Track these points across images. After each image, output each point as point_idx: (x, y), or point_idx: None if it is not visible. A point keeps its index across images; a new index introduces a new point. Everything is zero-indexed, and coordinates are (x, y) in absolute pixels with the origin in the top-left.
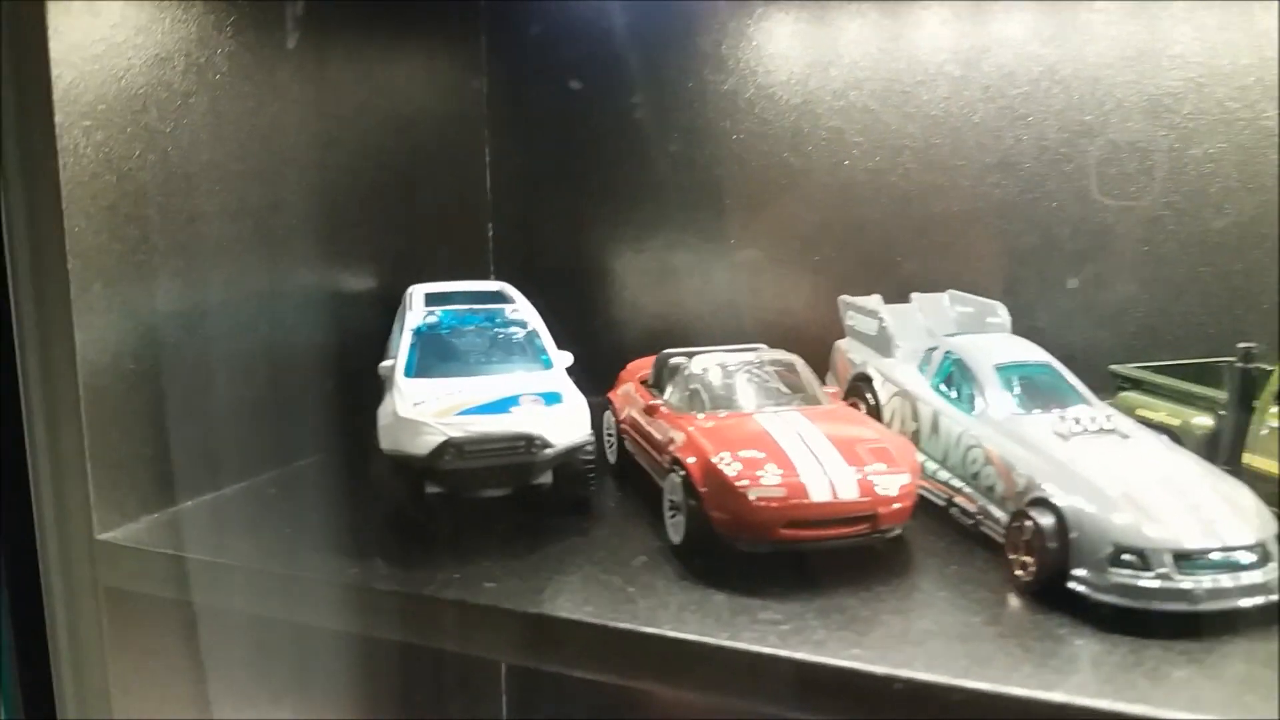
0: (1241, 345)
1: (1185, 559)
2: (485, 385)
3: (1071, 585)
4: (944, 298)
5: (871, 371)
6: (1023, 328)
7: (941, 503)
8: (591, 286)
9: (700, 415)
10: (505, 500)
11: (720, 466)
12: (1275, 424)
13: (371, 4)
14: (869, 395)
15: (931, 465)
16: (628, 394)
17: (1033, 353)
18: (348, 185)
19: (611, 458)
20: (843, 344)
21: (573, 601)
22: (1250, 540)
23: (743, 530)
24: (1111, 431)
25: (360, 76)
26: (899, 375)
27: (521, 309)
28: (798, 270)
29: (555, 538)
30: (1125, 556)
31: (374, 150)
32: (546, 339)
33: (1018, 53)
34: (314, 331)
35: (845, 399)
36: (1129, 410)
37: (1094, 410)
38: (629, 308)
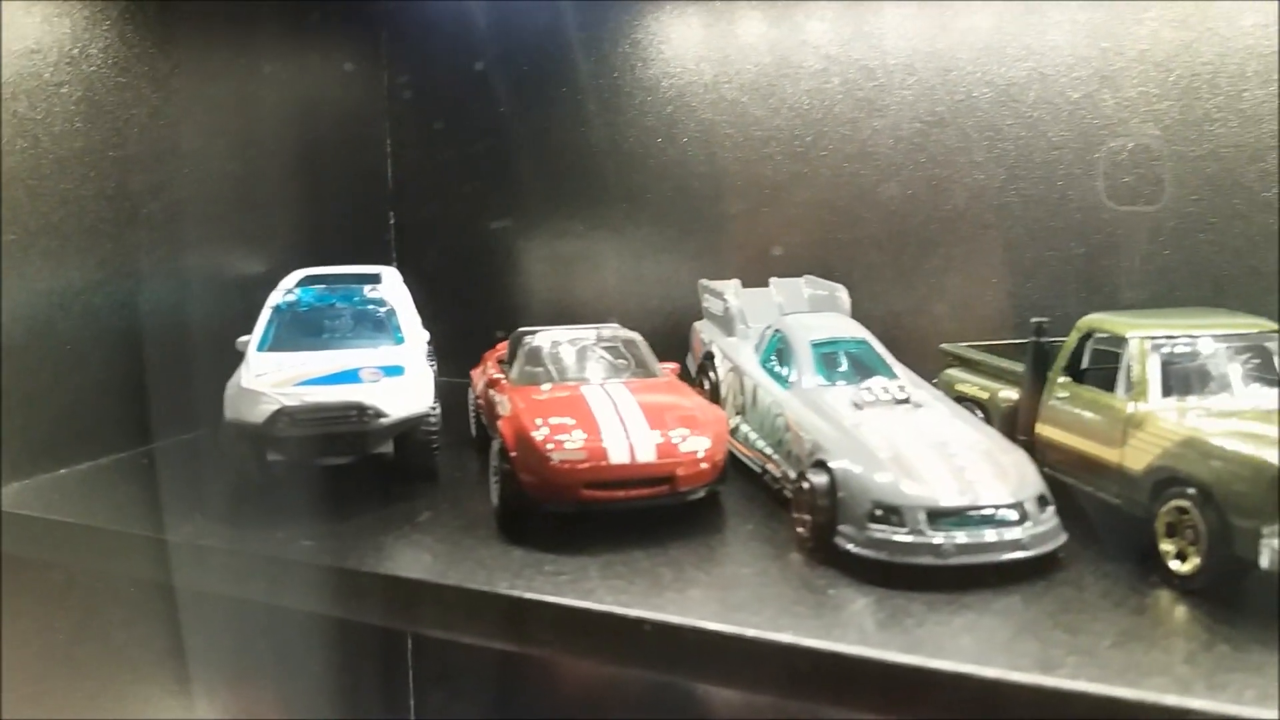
0: (1034, 320)
1: (939, 516)
2: (330, 359)
3: (837, 540)
4: (800, 282)
5: (715, 350)
6: (881, 310)
7: (758, 469)
8: (488, 271)
9: (531, 387)
10: (354, 469)
11: (527, 432)
12: (1064, 395)
13: (260, 8)
14: (711, 372)
15: (752, 435)
16: (484, 370)
17: (851, 330)
18: (237, 172)
19: (473, 431)
20: (698, 325)
21: (378, 558)
22: (1007, 500)
23: (549, 491)
24: (905, 401)
25: (250, 69)
26: (736, 353)
27: (384, 290)
28: (676, 256)
29: (389, 503)
30: (883, 513)
31: (267, 139)
32: (404, 317)
33: (873, 47)
34: (200, 311)
35: (698, 375)
36: (949, 386)
37: (894, 382)
38: (523, 291)
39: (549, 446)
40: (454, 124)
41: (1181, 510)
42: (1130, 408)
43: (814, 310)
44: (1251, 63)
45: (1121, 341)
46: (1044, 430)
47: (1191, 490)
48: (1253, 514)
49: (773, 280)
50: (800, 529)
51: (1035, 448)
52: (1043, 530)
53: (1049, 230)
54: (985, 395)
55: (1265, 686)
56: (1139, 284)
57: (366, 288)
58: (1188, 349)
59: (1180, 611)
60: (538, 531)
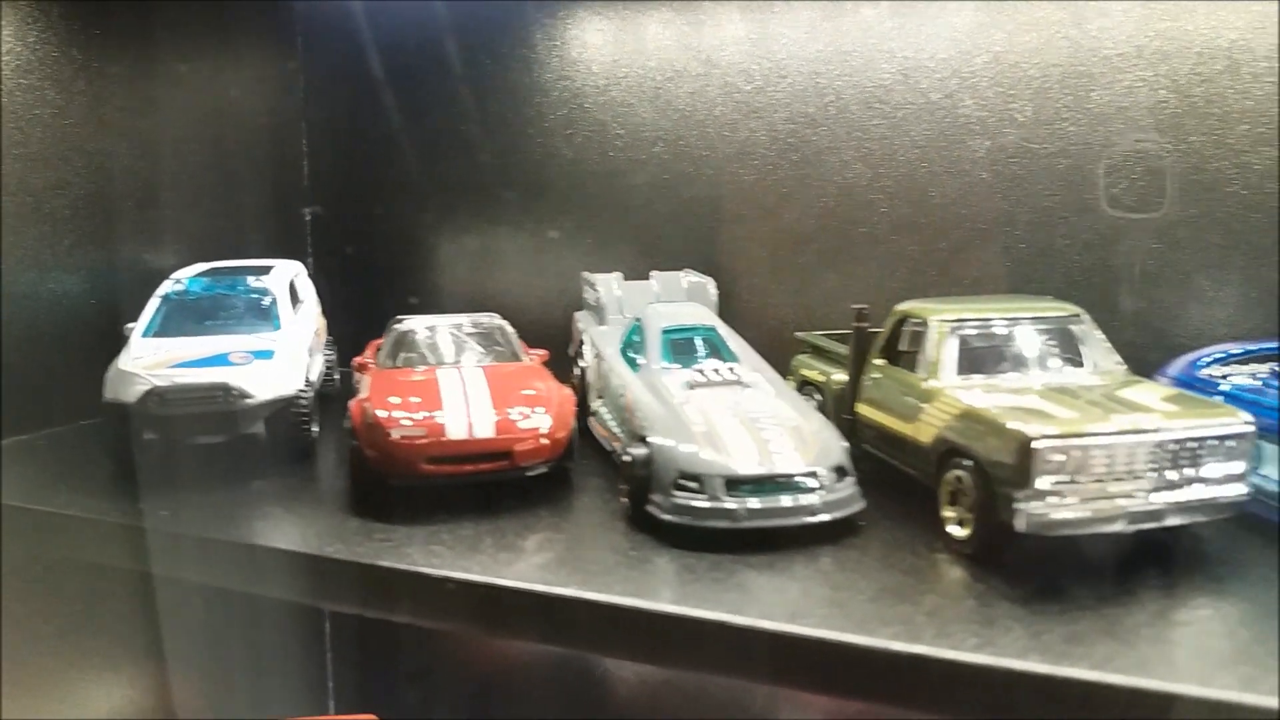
0: (854, 307)
1: (737, 484)
2: (205, 343)
3: (649, 508)
4: (679, 275)
5: (586, 338)
6: (760, 300)
7: (608, 448)
8: (399, 263)
9: (393, 370)
10: (229, 447)
11: (371, 410)
12: (877, 376)
13: (171, 10)
14: (581, 359)
15: (606, 416)
16: (363, 357)
17: (702, 318)
18: (145, 170)
19: None
20: (578, 315)
21: (224, 526)
22: (801, 469)
23: (391, 466)
24: (735, 382)
25: (162, 71)
26: (602, 341)
27: (269, 280)
28: (572, 249)
29: (255, 478)
30: (686, 481)
31: (179, 138)
32: (285, 306)
33: (749, 51)
34: (104, 302)
35: (573, 361)
36: (797, 370)
37: (726, 365)
38: (431, 283)
39: (389, 424)
40: (367, 123)
41: (959, 479)
42: (924, 385)
43: (690, 300)
44: (1096, 64)
45: (925, 325)
46: (861, 409)
47: (966, 461)
48: (1009, 481)
49: (653, 273)
50: (624, 499)
51: (856, 425)
52: (836, 498)
53: (913, 225)
54: (823, 379)
55: (991, 636)
56: (997, 275)
57: (251, 278)
58: (985, 331)
59: (946, 572)
60: (386, 504)
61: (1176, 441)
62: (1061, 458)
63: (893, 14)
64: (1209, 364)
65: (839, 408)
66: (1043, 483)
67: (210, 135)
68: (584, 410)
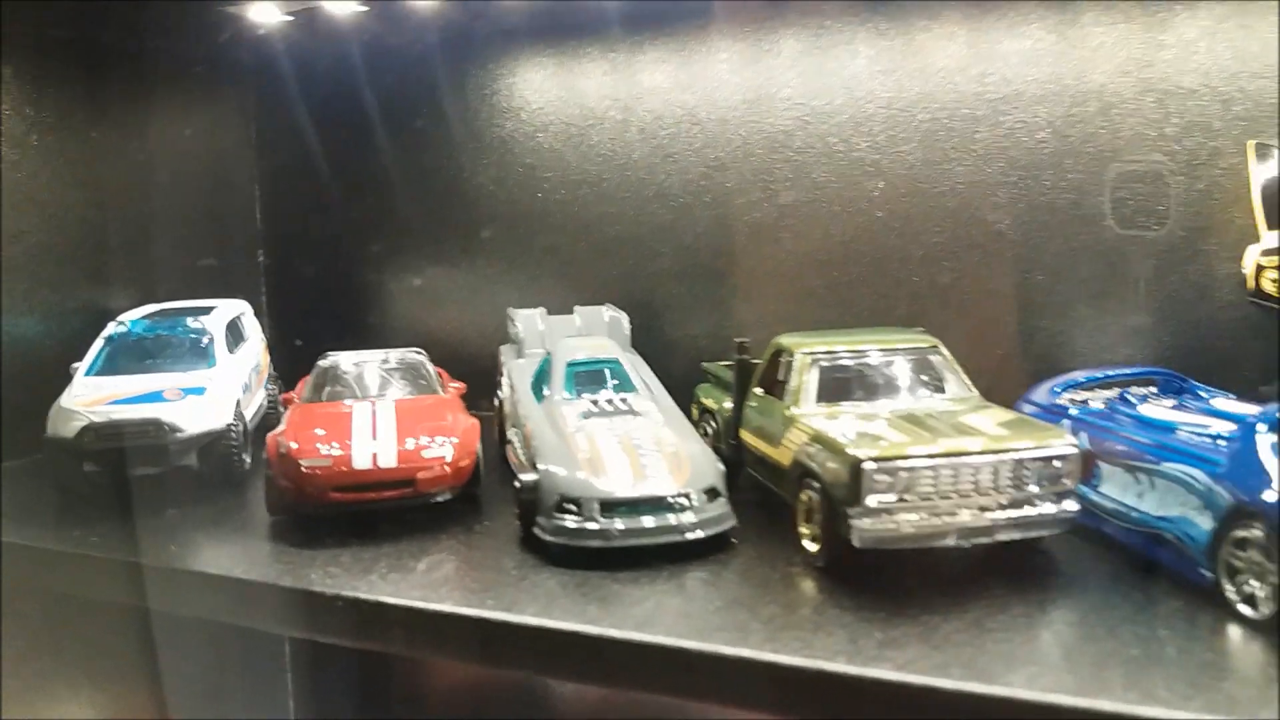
0: (737, 340)
1: (612, 506)
2: (143, 381)
3: (535, 530)
4: (602, 310)
5: (505, 370)
6: (679, 334)
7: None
8: (347, 302)
9: (313, 404)
10: (165, 479)
11: (284, 441)
12: (755, 404)
13: (122, 66)
14: (500, 390)
15: (516, 444)
16: (290, 393)
17: (609, 352)
18: (97, 219)
19: None
20: (502, 348)
21: (139, 549)
22: (672, 491)
23: (302, 494)
24: (627, 412)
25: (110, 126)
26: (517, 373)
27: (208, 320)
28: (505, 286)
29: (192, 506)
30: (566, 505)
31: (132, 188)
32: (220, 345)
33: (664, 99)
34: (58, 344)
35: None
36: (699, 398)
37: (620, 395)
38: (376, 320)
39: (299, 455)
40: (315, 170)
41: (810, 498)
42: (788, 412)
43: (610, 334)
44: (980, 107)
45: (792, 356)
46: (744, 435)
47: (815, 482)
48: (845, 500)
49: (576, 308)
50: (519, 522)
51: (740, 450)
52: (706, 518)
53: (816, 262)
54: (717, 406)
55: (814, 640)
56: (891, 307)
57: (190, 319)
58: (845, 363)
59: (796, 584)
60: (298, 530)
61: (1003, 462)
62: (889, 478)
63: (792, 65)
64: (1064, 390)
65: (728, 434)
66: (872, 501)
67: (163, 183)
68: (503, 439)
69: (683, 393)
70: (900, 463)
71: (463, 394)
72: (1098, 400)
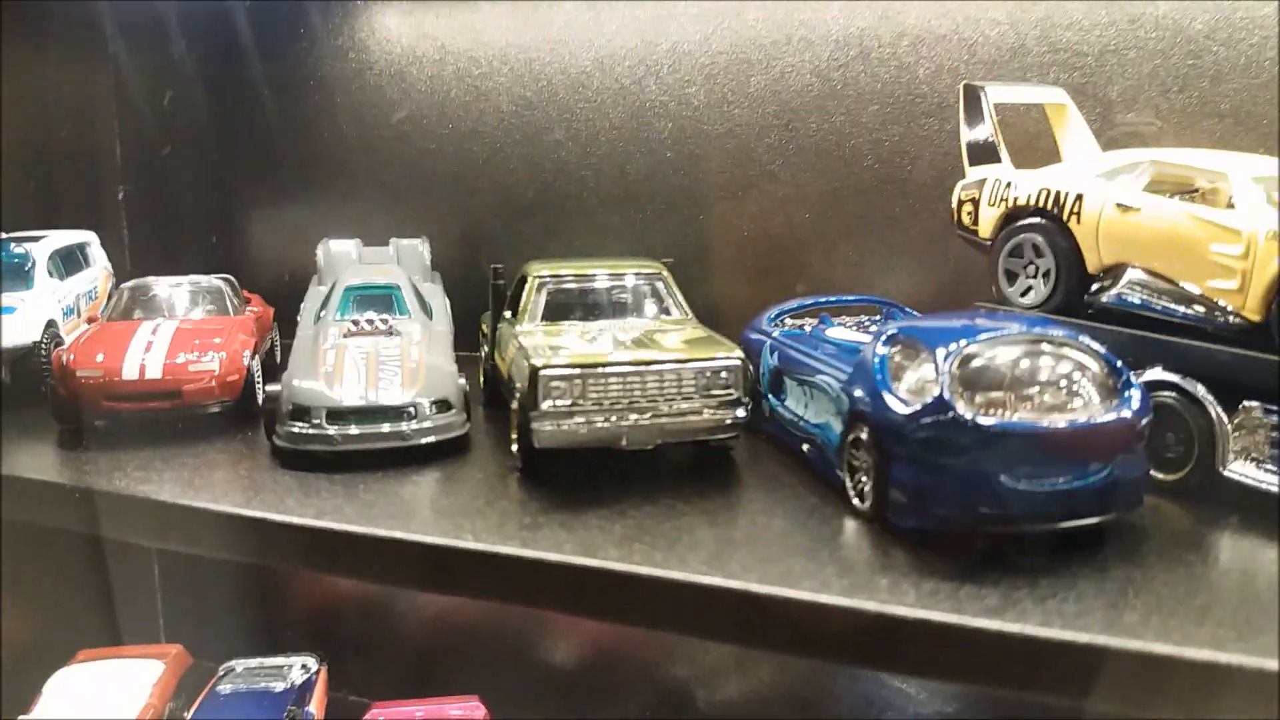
0: (492, 266)
1: (338, 414)
2: None
3: (272, 437)
4: (418, 242)
5: (306, 297)
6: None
7: None
8: (199, 234)
9: (111, 322)
10: None
11: (63, 352)
12: (502, 326)
13: None
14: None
15: None
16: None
17: (390, 278)
18: None
19: None
20: (314, 279)
21: None
22: (398, 402)
23: (78, 403)
24: (385, 332)
25: None
26: (309, 300)
27: (34, 247)
28: (339, 220)
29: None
30: (297, 413)
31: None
32: (40, 270)
33: (476, 40)
34: None
35: None
36: (481, 324)
37: (382, 316)
38: (222, 251)
39: (75, 365)
40: (169, 112)
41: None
42: (516, 329)
43: (413, 263)
44: (754, 52)
45: (526, 280)
46: (495, 356)
47: (515, 389)
48: (528, 405)
49: (392, 240)
50: (266, 432)
51: (494, 370)
52: (432, 425)
53: (615, 198)
54: (486, 329)
55: (467, 524)
56: (683, 243)
57: (14, 244)
58: (570, 285)
59: (490, 484)
60: (85, 435)
61: (670, 372)
62: (564, 384)
63: (589, 9)
64: (778, 316)
65: (487, 355)
66: (547, 404)
67: (25, 122)
68: None
69: None
70: (575, 371)
71: (266, 318)
72: (805, 326)
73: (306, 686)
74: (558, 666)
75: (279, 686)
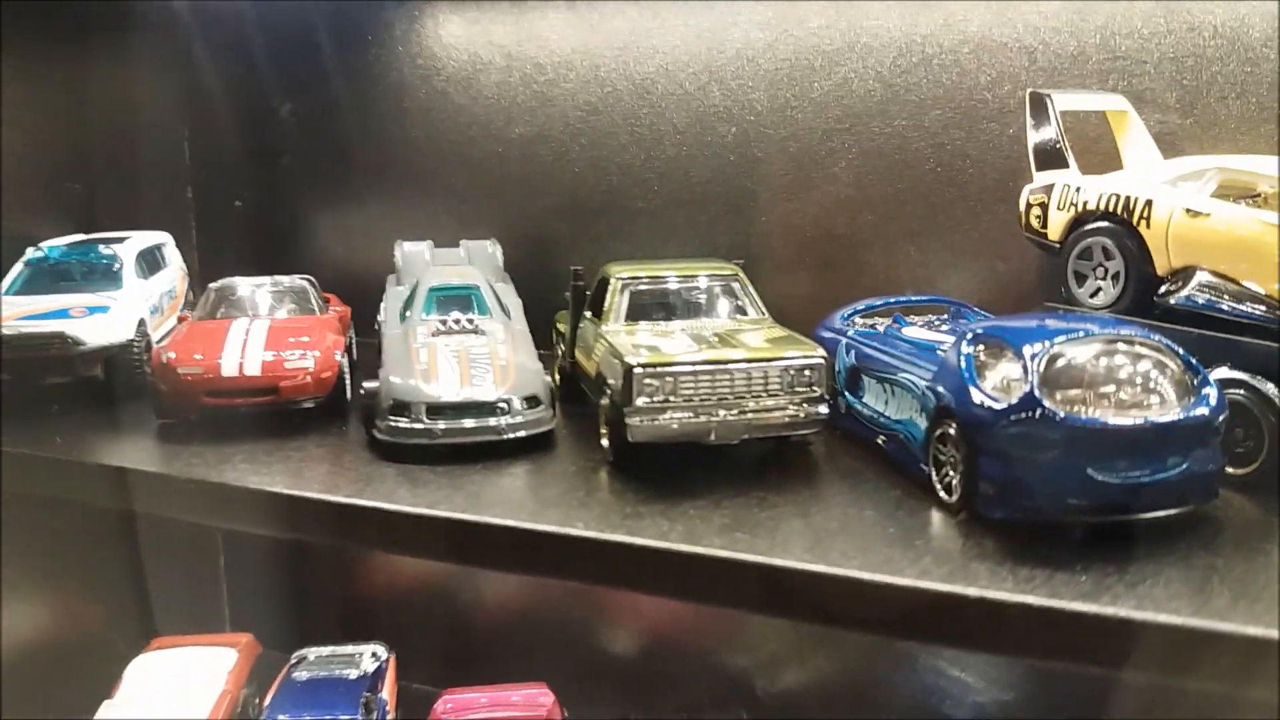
0: (573, 268)
1: (438, 409)
2: (54, 300)
3: (373, 431)
4: (487, 243)
5: (385, 298)
6: (560, 266)
7: None
8: (269, 235)
9: (202, 321)
10: (74, 386)
11: (163, 350)
12: (584, 325)
13: (59, 12)
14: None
15: None
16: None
17: (469, 279)
18: (37, 156)
19: None
20: (390, 276)
21: (50, 445)
22: (492, 398)
23: (178, 398)
24: (472, 331)
25: (49, 69)
26: (392, 298)
27: (121, 248)
28: (406, 222)
29: (93, 411)
30: (397, 408)
31: (67, 128)
32: (129, 270)
33: (541, 46)
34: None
35: None
36: (556, 323)
37: (469, 315)
38: (292, 251)
39: (175, 363)
40: (239, 114)
41: (605, 402)
42: (600, 329)
43: (485, 264)
44: (817, 59)
45: (609, 281)
46: (577, 354)
47: (607, 387)
48: (622, 402)
49: (463, 241)
50: (365, 426)
51: (575, 368)
52: (524, 420)
53: (678, 200)
54: (565, 329)
55: (574, 514)
56: (744, 243)
57: (104, 246)
58: (651, 287)
59: (588, 478)
60: (183, 429)
61: (757, 370)
62: (656, 382)
63: (654, 15)
64: (851, 315)
65: (566, 352)
66: (641, 401)
67: (98, 127)
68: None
69: None
70: (666, 368)
71: (346, 317)
72: (879, 325)
73: (378, 674)
74: (621, 655)
75: (352, 674)
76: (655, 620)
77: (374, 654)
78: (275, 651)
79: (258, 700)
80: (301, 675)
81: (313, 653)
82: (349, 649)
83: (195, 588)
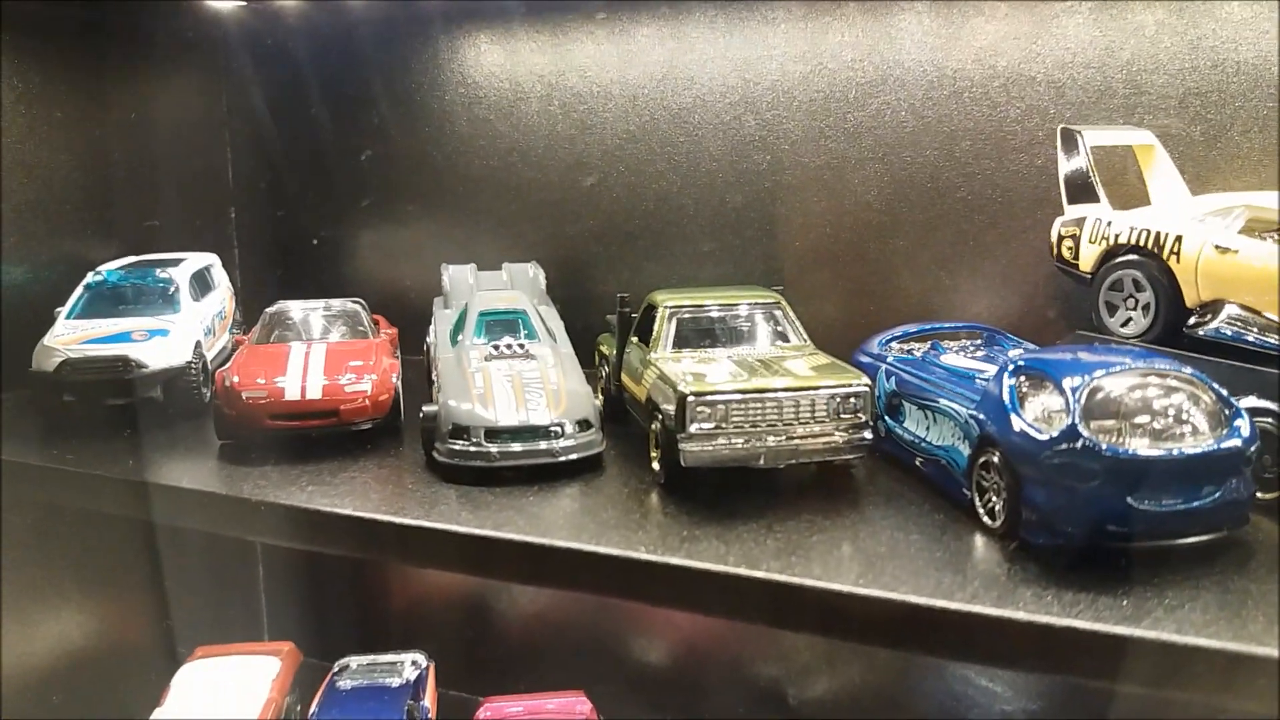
0: (619, 295)
1: (495, 433)
2: (115, 324)
3: (433, 453)
4: (529, 266)
5: (434, 320)
6: (598, 289)
7: None
8: (311, 257)
9: (260, 346)
10: (135, 408)
11: (226, 375)
12: (630, 351)
13: (101, 36)
14: (429, 337)
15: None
16: (242, 335)
17: (517, 304)
18: (82, 181)
19: None
20: (436, 300)
21: (99, 463)
22: (546, 422)
23: (242, 421)
24: (523, 355)
25: (93, 93)
26: (441, 321)
27: (176, 271)
28: (448, 244)
29: (154, 432)
30: (456, 431)
31: (113, 151)
32: (184, 293)
33: (582, 76)
34: (49, 290)
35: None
36: (599, 346)
37: (519, 340)
38: (335, 273)
39: (240, 388)
40: (280, 137)
41: (656, 427)
42: (649, 356)
43: (528, 288)
44: (851, 90)
45: (656, 309)
46: (623, 378)
47: (658, 412)
48: (675, 426)
49: (505, 264)
50: (425, 448)
51: (622, 391)
52: (576, 444)
53: (714, 227)
54: (609, 352)
55: (631, 536)
56: (778, 268)
57: (160, 270)
58: (697, 315)
59: (640, 499)
60: (242, 451)
61: (804, 397)
62: (708, 409)
63: (690, 49)
64: (889, 341)
65: (612, 376)
66: (694, 427)
67: (143, 149)
68: (429, 379)
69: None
70: (718, 396)
71: (395, 339)
72: (915, 350)
73: (419, 682)
74: (656, 663)
75: (395, 682)
76: (690, 629)
77: (414, 662)
78: (311, 659)
79: (300, 707)
80: (345, 683)
81: (354, 661)
82: (390, 657)
83: (235, 597)
